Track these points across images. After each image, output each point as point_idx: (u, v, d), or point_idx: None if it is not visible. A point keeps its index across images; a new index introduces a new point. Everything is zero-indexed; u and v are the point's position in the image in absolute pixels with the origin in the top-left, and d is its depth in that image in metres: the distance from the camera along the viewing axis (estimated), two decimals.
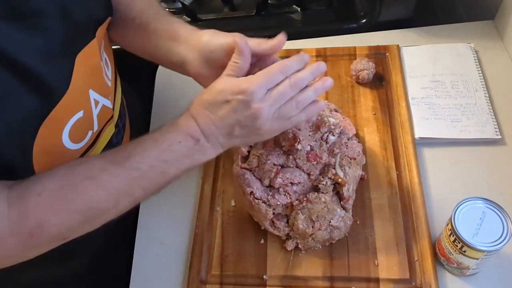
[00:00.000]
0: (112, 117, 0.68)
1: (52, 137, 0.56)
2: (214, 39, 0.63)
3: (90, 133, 0.62)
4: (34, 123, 0.53)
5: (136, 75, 0.93)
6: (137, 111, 0.90)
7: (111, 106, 0.67)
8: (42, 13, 0.51)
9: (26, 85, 0.50)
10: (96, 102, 0.62)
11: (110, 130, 0.69)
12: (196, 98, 0.59)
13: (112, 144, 0.70)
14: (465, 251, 0.61)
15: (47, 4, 0.51)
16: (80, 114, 0.58)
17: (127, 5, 0.70)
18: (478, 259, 0.61)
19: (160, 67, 0.97)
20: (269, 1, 1.13)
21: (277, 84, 0.55)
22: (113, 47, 0.74)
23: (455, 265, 0.65)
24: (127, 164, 0.55)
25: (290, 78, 0.55)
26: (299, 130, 0.68)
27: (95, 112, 0.62)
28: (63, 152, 0.58)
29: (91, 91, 0.60)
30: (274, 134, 0.59)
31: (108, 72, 0.68)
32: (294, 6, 1.12)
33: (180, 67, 0.68)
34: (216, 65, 0.63)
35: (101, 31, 0.63)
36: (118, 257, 0.81)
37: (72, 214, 0.53)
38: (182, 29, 0.67)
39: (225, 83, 0.56)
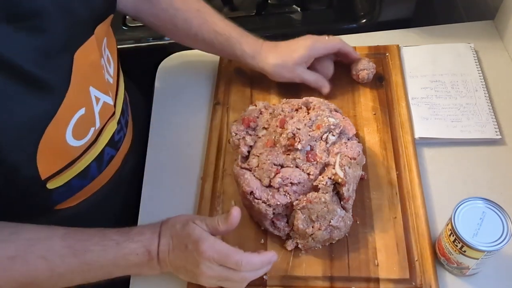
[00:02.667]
0: (113, 114, 0.69)
1: (56, 136, 0.56)
2: (278, 72, 0.82)
3: (92, 129, 0.63)
4: (41, 125, 0.53)
5: (141, 72, 0.93)
6: (140, 108, 0.90)
7: (112, 103, 0.67)
8: (41, 14, 0.51)
9: (26, 87, 0.50)
10: (97, 99, 0.62)
11: (112, 127, 0.69)
12: (175, 216, 0.64)
13: (114, 141, 0.71)
14: (465, 251, 0.61)
15: (46, 4, 0.51)
16: (82, 111, 0.59)
17: (184, 22, 0.80)
18: (478, 259, 0.61)
19: (161, 65, 0.97)
20: (269, 1, 1.13)
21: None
22: (118, 46, 0.74)
23: (455, 265, 0.65)
24: (82, 258, 0.59)
25: (242, 271, 0.60)
26: (299, 129, 0.68)
27: (97, 109, 0.63)
28: (66, 149, 0.59)
29: (91, 88, 0.61)
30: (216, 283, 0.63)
31: (110, 69, 0.68)
32: (294, 6, 1.12)
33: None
34: None
35: (102, 28, 0.63)
36: None
37: (11, 282, 0.57)
38: (245, 46, 0.81)
39: (196, 232, 0.60)
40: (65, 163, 0.60)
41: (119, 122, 0.72)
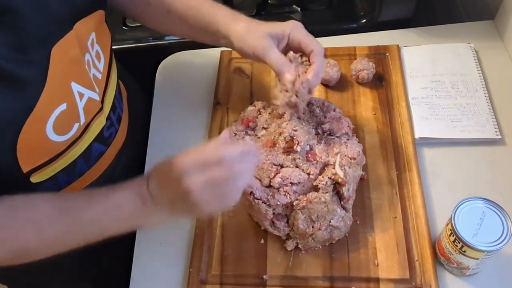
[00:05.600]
0: (101, 109, 0.68)
1: (36, 131, 0.56)
2: (244, 42, 0.68)
3: (76, 125, 0.62)
4: (18, 121, 0.53)
5: (141, 72, 0.93)
6: (139, 105, 0.90)
7: (98, 99, 0.66)
8: (13, 10, 0.50)
9: (0, 84, 0.49)
10: (81, 95, 0.62)
11: (100, 123, 0.68)
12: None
13: (103, 137, 0.70)
14: (465, 251, 0.61)
15: (18, 0, 0.50)
16: (63, 106, 0.58)
17: None
18: (478, 259, 0.61)
19: (161, 65, 0.97)
20: (269, 1, 1.13)
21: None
22: (118, 46, 0.74)
23: (455, 265, 0.65)
24: (71, 216, 0.56)
25: (223, 165, 0.55)
26: (296, 131, 0.68)
27: (81, 104, 0.62)
28: (48, 144, 0.58)
29: (74, 83, 0.60)
30: (216, 208, 0.59)
31: (99, 65, 0.68)
32: (294, 6, 1.12)
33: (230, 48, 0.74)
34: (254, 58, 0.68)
35: (85, 23, 0.62)
36: (118, 258, 0.81)
37: (3, 251, 0.55)
38: (219, 22, 0.71)
39: (175, 156, 0.56)
40: (48, 157, 0.60)
41: (108, 118, 0.71)
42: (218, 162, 0.54)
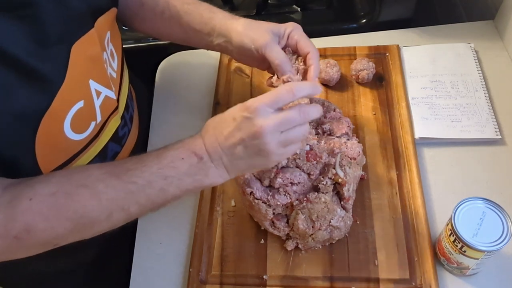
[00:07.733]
0: (117, 108, 0.68)
1: (53, 128, 0.56)
2: (245, 35, 0.67)
3: (93, 124, 0.62)
4: (35, 117, 0.53)
5: (141, 72, 0.93)
6: (146, 103, 0.90)
7: (114, 97, 0.67)
8: (34, 4, 0.50)
9: (20, 77, 0.50)
10: (98, 93, 0.62)
11: (115, 122, 0.69)
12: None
13: (118, 136, 0.70)
14: (465, 251, 0.61)
15: None
16: (80, 104, 0.58)
17: None
18: (478, 259, 0.61)
19: (161, 65, 0.97)
20: (269, 1, 1.13)
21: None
22: (124, 46, 0.74)
23: (455, 265, 0.65)
24: (125, 177, 0.54)
25: (300, 107, 0.55)
26: None
27: (97, 102, 0.62)
28: (66, 143, 0.58)
29: (92, 81, 0.60)
30: (279, 159, 0.58)
31: (114, 64, 0.68)
32: (294, 6, 1.12)
33: (222, 52, 0.75)
34: (251, 55, 0.67)
35: (103, 21, 0.62)
36: (118, 258, 0.81)
37: (62, 220, 0.53)
38: (216, 20, 0.70)
39: (236, 105, 0.56)
40: (66, 157, 0.60)
41: (122, 117, 0.71)
42: (303, 119, 0.55)
